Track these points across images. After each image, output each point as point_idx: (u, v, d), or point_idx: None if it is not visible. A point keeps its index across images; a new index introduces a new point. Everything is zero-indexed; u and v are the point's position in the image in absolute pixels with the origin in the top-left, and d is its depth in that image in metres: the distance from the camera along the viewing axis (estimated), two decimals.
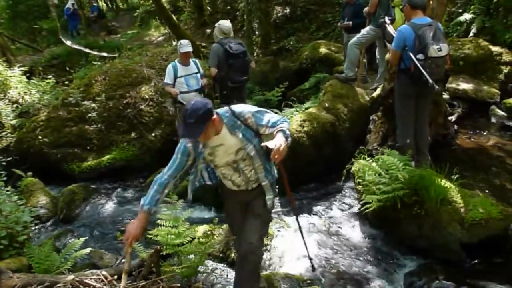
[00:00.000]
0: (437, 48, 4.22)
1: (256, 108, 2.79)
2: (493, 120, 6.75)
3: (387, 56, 4.64)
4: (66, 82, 10.62)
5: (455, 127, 6.50)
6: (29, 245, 3.92)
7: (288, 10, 13.03)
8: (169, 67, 5.95)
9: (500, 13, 8.32)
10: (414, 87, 4.51)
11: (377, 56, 7.02)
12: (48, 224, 5.60)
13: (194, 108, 2.47)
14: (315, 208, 5.02)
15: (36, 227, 5.36)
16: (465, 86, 7.21)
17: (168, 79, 5.91)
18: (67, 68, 12.32)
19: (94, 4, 16.84)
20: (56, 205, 5.85)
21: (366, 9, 6.58)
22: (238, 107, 2.75)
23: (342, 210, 4.91)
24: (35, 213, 4.91)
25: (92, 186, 6.40)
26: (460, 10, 8.87)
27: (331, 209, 4.96)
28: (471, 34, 8.34)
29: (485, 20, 8.44)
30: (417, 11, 4.45)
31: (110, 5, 26.20)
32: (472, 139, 6.25)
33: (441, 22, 5.33)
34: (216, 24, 6.02)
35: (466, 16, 8.60)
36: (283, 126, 2.66)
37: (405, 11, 4.59)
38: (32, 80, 9.99)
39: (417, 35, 4.27)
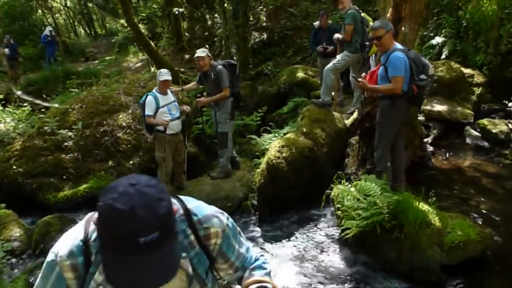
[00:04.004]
0: (432, 67, 4.36)
1: (230, 220, 1.45)
2: (468, 140, 6.89)
3: (389, 85, 4.45)
4: (43, 110, 10.46)
5: (431, 148, 6.61)
6: (0, 281, 3.79)
7: (265, 36, 13.19)
8: (150, 99, 5.70)
9: (469, 36, 8.61)
10: (408, 111, 4.59)
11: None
12: (22, 257, 5.41)
13: (147, 199, 1.08)
14: (295, 234, 4.99)
15: (9, 261, 5.18)
16: (439, 107, 7.38)
17: (149, 110, 5.68)
18: (44, 96, 12.16)
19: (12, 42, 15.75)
20: (31, 237, 5.65)
21: (336, 35, 6.71)
22: (197, 206, 1.39)
23: (322, 235, 4.88)
24: (7, 247, 4.77)
25: (68, 216, 6.23)
26: (432, 34, 9.14)
27: (312, 235, 4.93)
28: (443, 56, 8.59)
29: (456, 43, 8.72)
30: (393, 39, 4.55)
31: (88, 30, 26.21)
32: (448, 160, 6.36)
33: (413, 47, 5.47)
34: (206, 52, 6.13)
35: (438, 39, 8.86)
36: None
37: (387, 38, 4.45)
38: (7, 108, 9.81)
39: (410, 58, 4.34)
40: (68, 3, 25.00)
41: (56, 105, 7.47)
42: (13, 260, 5.27)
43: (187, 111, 6.06)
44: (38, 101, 9.10)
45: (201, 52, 6.05)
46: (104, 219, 1.09)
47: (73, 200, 6.59)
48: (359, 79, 4.76)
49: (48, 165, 6.89)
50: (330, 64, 6.44)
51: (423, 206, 4.13)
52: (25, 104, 10.49)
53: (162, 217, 1.08)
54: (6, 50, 14.35)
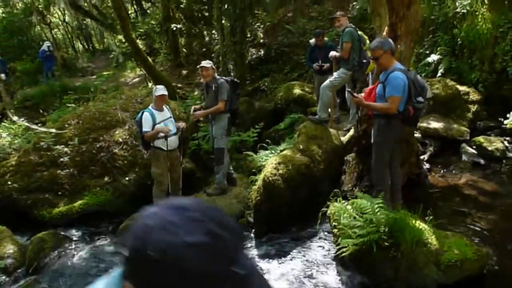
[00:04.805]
0: (430, 89, 4.38)
1: None
2: (464, 158, 6.90)
3: (384, 104, 4.45)
4: (39, 125, 10.45)
5: (428, 165, 6.61)
6: None
7: (262, 52, 13.29)
8: (146, 115, 5.70)
9: (465, 54, 8.68)
10: (402, 131, 4.59)
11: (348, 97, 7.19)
12: (15, 275, 5.34)
13: (214, 218, 0.82)
14: (291, 252, 4.95)
15: (2, 278, 5.12)
16: (435, 125, 7.40)
17: (146, 127, 5.66)
18: (41, 110, 12.17)
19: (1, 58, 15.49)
20: (24, 254, 5.59)
21: (332, 53, 6.76)
22: None
23: (318, 253, 4.84)
24: (0, 265, 4.71)
25: (63, 233, 6.18)
26: (428, 52, 9.20)
27: (308, 253, 4.89)
28: (439, 74, 8.64)
29: (452, 60, 8.78)
30: (393, 57, 4.57)
31: (86, 46, 26.34)
32: (445, 177, 6.35)
33: (409, 64, 5.51)
34: (211, 64, 6.17)
35: (434, 57, 8.92)
36: None
37: (385, 58, 4.47)
38: (3, 123, 9.80)
39: (410, 79, 4.35)
40: (67, 18, 25.15)
41: (54, 130, 7.40)
42: (6, 278, 5.21)
43: (182, 127, 6.05)
44: (34, 127, 8.87)
45: (206, 63, 6.12)
46: (176, 268, 0.76)
47: (68, 216, 6.55)
48: (355, 95, 4.78)
49: (43, 180, 6.87)
50: (327, 81, 6.47)
51: (420, 225, 4.10)
52: (22, 119, 10.47)
53: (241, 235, 0.88)
54: (3, 75, 14.27)
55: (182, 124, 6.10)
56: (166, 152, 5.77)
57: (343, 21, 6.61)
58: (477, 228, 4.94)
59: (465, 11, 8.55)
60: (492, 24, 8.11)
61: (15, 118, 9.92)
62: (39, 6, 20.86)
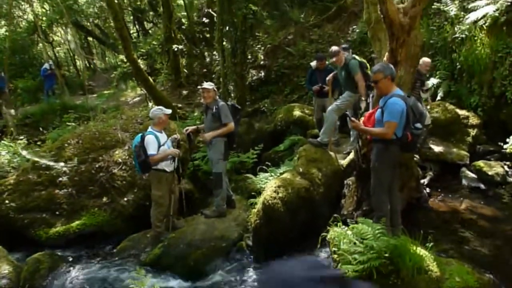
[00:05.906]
0: (429, 117, 4.42)
1: None
2: (464, 182, 6.89)
3: (381, 129, 4.46)
4: (39, 143, 10.43)
5: (428, 190, 6.59)
6: None
7: (263, 74, 13.38)
8: (151, 138, 5.59)
9: (464, 78, 8.75)
10: (401, 156, 4.61)
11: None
12: None
13: None
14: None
15: None
16: (435, 148, 7.41)
17: (152, 150, 5.55)
18: (41, 128, 12.17)
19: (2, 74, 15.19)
20: (20, 274, 5.49)
21: (330, 77, 6.81)
22: None
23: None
24: None
25: (59, 254, 6.10)
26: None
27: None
28: (438, 98, 8.70)
29: (451, 84, 8.86)
30: (393, 83, 4.58)
31: (88, 64, 26.51)
32: (445, 202, 6.33)
33: (408, 89, 5.54)
34: (213, 86, 6.14)
35: (433, 80, 8.99)
36: None
37: (384, 83, 4.48)
38: (3, 141, 9.78)
39: (408, 105, 4.37)
40: (69, 37, 25.38)
41: (62, 164, 7.30)
42: None
43: (178, 138, 6.03)
44: (29, 156, 8.58)
45: (207, 85, 6.10)
46: None
47: (65, 237, 6.48)
48: (353, 119, 4.80)
49: (41, 200, 6.81)
50: (334, 105, 6.48)
51: (421, 251, 4.07)
52: (21, 137, 10.47)
53: None
54: (12, 111, 14.36)
55: (177, 136, 6.08)
56: (168, 173, 5.75)
57: (342, 56, 6.64)
58: (478, 255, 4.89)
59: (463, 36, 8.65)
60: (490, 49, 8.21)
61: (24, 152, 9.80)
62: (42, 25, 21.07)
